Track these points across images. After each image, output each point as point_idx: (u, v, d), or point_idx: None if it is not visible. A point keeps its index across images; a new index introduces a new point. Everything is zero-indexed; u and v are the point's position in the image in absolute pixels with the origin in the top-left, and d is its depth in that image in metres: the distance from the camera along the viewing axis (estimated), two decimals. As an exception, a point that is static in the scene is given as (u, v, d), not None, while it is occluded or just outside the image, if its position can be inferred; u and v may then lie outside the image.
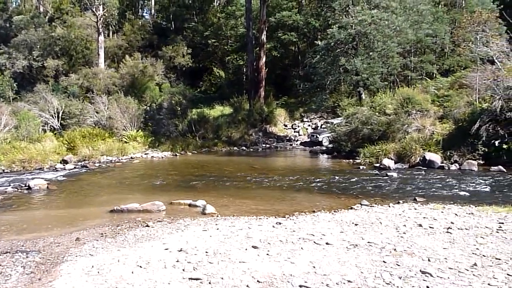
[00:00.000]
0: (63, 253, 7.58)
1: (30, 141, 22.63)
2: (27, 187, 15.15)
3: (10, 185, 15.67)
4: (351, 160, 20.05)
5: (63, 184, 16.30)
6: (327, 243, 6.72)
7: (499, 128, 16.83)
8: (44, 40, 36.24)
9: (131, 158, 23.76)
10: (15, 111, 26.06)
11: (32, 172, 19.25)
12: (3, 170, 19.39)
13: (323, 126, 29.95)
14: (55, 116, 27.22)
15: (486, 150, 16.86)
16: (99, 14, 35.11)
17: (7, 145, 21.41)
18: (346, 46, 24.59)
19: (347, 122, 22.45)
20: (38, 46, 36.09)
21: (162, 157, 24.34)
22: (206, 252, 6.49)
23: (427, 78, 28.41)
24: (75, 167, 20.66)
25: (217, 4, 45.26)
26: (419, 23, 26.15)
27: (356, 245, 6.61)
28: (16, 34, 37.02)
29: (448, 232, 7.30)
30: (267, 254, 6.28)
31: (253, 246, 6.74)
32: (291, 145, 29.46)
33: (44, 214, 11.97)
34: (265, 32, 33.95)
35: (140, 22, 43.82)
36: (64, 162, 21.36)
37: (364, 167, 18.16)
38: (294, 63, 38.47)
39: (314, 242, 6.85)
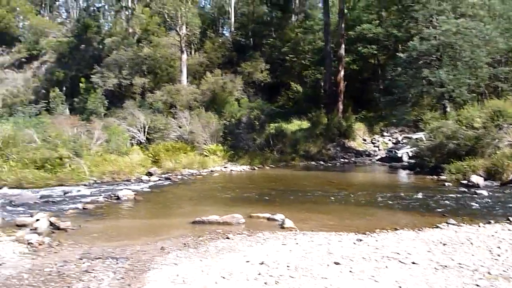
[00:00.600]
0: (149, 261, 7.92)
1: (119, 154, 24.01)
2: (116, 197, 16.06)
3: (101, 195, 16.72)
4: (435, 177, 19.02)
5: (148, 195, 17.09)
6: (413, 263, 6.42)
7: None
8: (132, 60, 38.58)
9: (211, 171, 24.40)
10: (106, 126, 27.85)
11: (120, 183, 20.40)
12: (95, 181, 20.75)
13: (403, 141, 28.86)
14: (141, 131, 28.74)
15: None
16: (182, 34, 36.83)
17: (99, 157, 22.90)
18: (430, 58, 23.62)
19: (431, 136, 21.43)
20: (127, 65, 38.48)
21: (241, 171, 24.75)
22: (288, 266, 6.47)
23: (519, 90, 26.42)
24: (159, 179, 21.60)
25: (295, 19, 45.63)
26: (510, 31, 24.50)
27: (446, 266, 6.25)
28: (108, 55, 39.80)
29: (551, 256, 6.68)
30: (350, 271, 6.12)
31: (335, 262, 6.61)
32: (370, 160, 28.67)
33: (131, 223, 12.62)
34: (343, 46, 33.63)
35: (220, 40, 45.31)
36: (149, 174, 22.42)
37: (450, 184, 17.16)
38: (373, 76, 37.63)
39: (399, 261, 6.57)
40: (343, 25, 33.63)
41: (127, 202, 15.60)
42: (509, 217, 10.78)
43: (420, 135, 26.03)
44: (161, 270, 7.13)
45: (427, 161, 21.08)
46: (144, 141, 28.19)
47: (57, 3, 63.68)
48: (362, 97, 35.98)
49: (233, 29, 46.32)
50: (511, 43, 24.61)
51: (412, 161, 24.06)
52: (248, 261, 6.99)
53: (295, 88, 39.06)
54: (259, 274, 6.17)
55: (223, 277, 6.20)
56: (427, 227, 9.98)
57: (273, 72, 39.89)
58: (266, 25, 44.56)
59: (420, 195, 14.88)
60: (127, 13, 42.81)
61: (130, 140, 27.33)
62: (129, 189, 17.69)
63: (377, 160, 28.09)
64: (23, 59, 51.77)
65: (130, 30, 41.09)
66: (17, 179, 19.39)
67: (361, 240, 8.53)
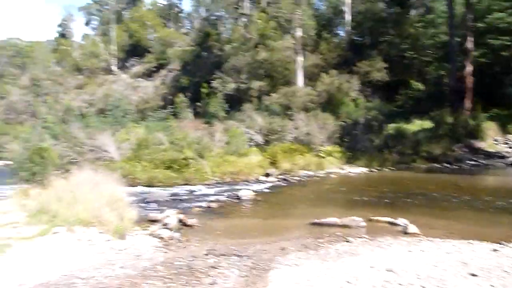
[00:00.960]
0: (270, 260, 8.07)
1: (238, 156, 24.95)
2: (236, 197, 16.71)
3: (223, 194, 17.52)
4: None
5: (266, 196, 17.48)
6: None
7: None
8: (250, 64, 39.88)
9: (328, 173, 24.19)
10: (226, 128, 29.12)
11: (240, 183, 21.17)
12: (217, 180, 21.81)
13: None
14: (259, 133, 29.54)
15: None
16: (297, 36, 37.14)
17: (220, 158, 24.03)
18: None
19: None
20: (245, 70, 39.89)
21: (358, 173, 24.16)
22: (418, 275, 6.12)
23: None
24: (276, 180, 21.98)
25: (414, 14, 43.37)
26: None
27: None
28: (227, 61, 41.66)
29: None
30: (491, 285, 5.59)
31: (471, 274, 6.09)
32: (503, 162, 26.03)
33: (251, 222, 13.00)
34: (471, 38, 31.09)
35: (335, 40, 44.79)
36: (267, 175, 22.94)
37: None
38: (507, 70, 34.15)
39: (550, 276, 5.85)
40: (470, 16, 31.09)
41: (246, 201, 16.12)
42: None
43: None
44: (283, 270, 7.22)
45: None
46: (261, 143, 28.91)
47: (181, 14, 68.35)
48: (492, 93, 32.86)
49: (348, 28, 45.47)
50: None
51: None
52: (372, 267, 6.75)
53: (415, 86, 37.08)
54: (386, 281, 5.92)
55: (348, 282, 6.07)
56: None
57: (392, 71, 38.30)
58: (383, 22, 42.91)
59: None
60: (244, 19, 44.38)
61: (249, 142, 28.20)
62: (249, 189, 18.28)
63: (510, 164, 25.36)
64: (152, 68, 56.53)
65: (248, 36, 42.48)
66: (149, 178, 21.19)
67: (497, 250, 7.76)
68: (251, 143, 28.36)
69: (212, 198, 16.84)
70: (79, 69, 60.47)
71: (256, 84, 38.70)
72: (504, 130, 30.11)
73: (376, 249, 8.30)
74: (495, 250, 7.74)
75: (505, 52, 34.38)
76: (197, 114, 40.03)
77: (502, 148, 28.62)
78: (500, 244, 8.49)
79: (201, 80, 43.76)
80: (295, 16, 36.92)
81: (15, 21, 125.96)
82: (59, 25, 74.80)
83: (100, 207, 10.32)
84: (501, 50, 34.28)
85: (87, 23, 75.61)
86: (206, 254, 8.66)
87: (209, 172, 22.24)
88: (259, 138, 29.20)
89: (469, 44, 31.15)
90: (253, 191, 17.90)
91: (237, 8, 45.49)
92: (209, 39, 48.19)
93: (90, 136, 25.06)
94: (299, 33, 37.48)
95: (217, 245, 9.55)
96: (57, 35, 75.21)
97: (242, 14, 44.63)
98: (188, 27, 66.20)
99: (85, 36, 71.93)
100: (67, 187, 11.34)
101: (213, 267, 7.68)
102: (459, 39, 32.27)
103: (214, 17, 54.42)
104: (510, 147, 28.30)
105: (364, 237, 9.73)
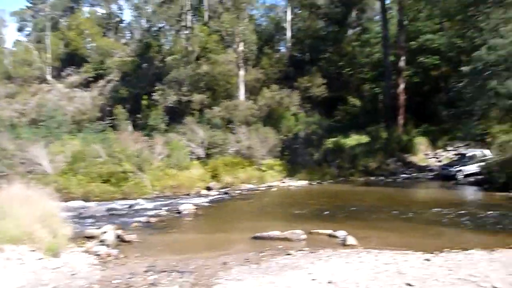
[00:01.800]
0: (213, 275, 7.98)
1: (179, 169, 24.60)
2: (177, 211, 16.43)
3: (163, 209, 17.15)
4: (505, 193, 17.93)
5: (208, 210, 17.34)
6: (494, 287, 6.03)
7: None
8: (192, 77, 39.60)
9: (269, 186, 24.42)
10: (167, 141, 28.64)
11: (181, 197, 20.86)
12: (157, 194, 21.36)
13: (455, 158, 27.36)
14: (200, 146, 29.33)
15: None
16: (239, 51, 37.44)
17: (160, 172, 23.58)
18: (497, 68, 22.50)
19: (501, 150, 20.31)
20: (186, 82, 39.56)
21: (299, 186, 24.56)
22: (357, 286, 6.28)
23: None
24: (218, 194, 21.89)
25: (351, 33, 45.17)
26: None
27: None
28: (168, 73, 41.11)
29: None
30: (424, 293, 5.85)
31: (407, 284, 6.34)
32: (433, 175, 27.42)
33: (193, 237, 12.83)
34: (403, 58, 32.82)
35: (277, 56, 45.59)
36: (208, 188, 22.81)
37: (524, 201, 16.14)
38: (435, 89, 36.29)
39: (478, 284, 6.19)
40: (403, 37, 32.88)
41: (188, 216, 15.90)
42: None
43: (476, 152, 24.87)
44: (225, 285, 7.15)
45: (496, 177, 19.93)
46: (203, 156, 28.71)
47: (121, 24, 66.83)
48: (423, 110, 34.78)
49: (289, 44, 46.50)
50: None
51: (472, 179, 22.93)
52: (314, 279, 6.86)
53: (352, 102, 38.48)
54: (327, 293, 6.04)
55: (290, 295, 6.12)
56: (501, 248, 9.37)
57: (330, 87, 39.52)
58: (323, 39, 44.34)
59: (489, 213, 14.07)
60: (186, 32, 44.14)
61: (190, 155, 27.92)
62: (190, 203, 18.04)
63: (432, 177, 26.57)
64: (90, 78, 54.62)
65: (190, 48, 42.26)
66: (85, 193, 20.37)
67: (429, 260, 8.15)
68: (193, 157, 28.08)
69: (152, 212, 16.47)
70: (10, 77, 57.27)
71: (198, 97, 38.46)
72: (434, 145, 31.88)
73: (317, 262, 8.44)
74: (427, 260, 8.12)
75: (435, 72, 36.58)
76: (136, 127, 39.06)
77: (432, 162, 30.25)
78: (432, 253, 8.91)
79: (141, 92, 42.84)
80: (237, 31, 37.24)
81: None
82: (-12, 31, 70.64)
83: (32, 223, 9.73)
84: (431, 69, 36.45)
85: (20, 29, 71.84)
86: (146, 271, 8.42)
87: (149, 185, 21.75)
88: (201, 151, 28.98)
89: (402, 63, 32.85)
90: (194, 205, 17.70)
91: (179, 21, 45.15)
92: (150, 50, 47.41)
93: (21, 148, 23.74)
94: (241, 47, 37.80)
95: (157, 261, 9.31)
96: (-14, 41, 70.94)
97: (184, 26, 44.36)
98: (129, 38, 64.81)
99: (17, 43, 68.35)
100: (-5, 202, 10.62)
101: (153, 284, 7.48)
102: (393, 59, 33.94)
103: (156, 28, 53.71)
104: (439, 161, 29.97)
105: (305, 250, 9.88)
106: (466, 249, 9.34)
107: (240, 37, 37.32)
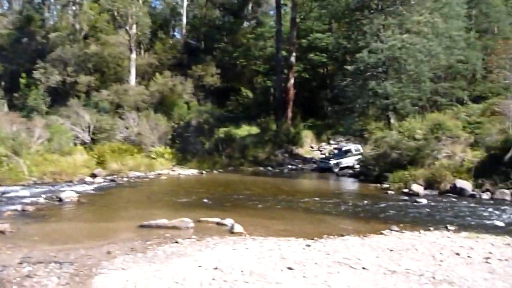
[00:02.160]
0: (95, 265, 7.65)
1: (61, 154, 23.08)
2: (58, 199, 15.41)
3: (42, 196, 15.97)
4: (378, 185, 19.70)
5: (92, 198, 16.53)
6: (363, 268, 6.61)
7: (533, 158, 16.34)
8: (78, 57, 37.23)
9: (159, 174, 23.99)
10: (48, 124, 26.66)
11: (63, 184, 19.60)
12: (35, 181, 19.81)
13: (332, 152, 29.47)
14: (86, 130, 27.78)
15: (520, 179, 16.35)
16: (132, 33, 35.96)
17: (40, 157, 21.90)
18: (376, 70, 24.52)
19: (376, 146, 22.20)
20: (72, 62, 37.07)
21: (189, 175, 24.49)
22: (242, 271, 6.46)
23: (457, 104, 27.96)
24: (104, 181, 20.97)
25: (247, 25, 45.86)
26: (451, 49, 25.87)
27: (394, 271, 6.48)
28: (52, 50, 38.12)
29: (487, 262, 7.08)
30: (304, 276, 6.20)
31: (288, 267, 6.68)
32: (317, 167, 29.13)
33: (75, 226, 12.14)
34: (294, 54, 34.20)
35: (171, 42, 44.66)
36: (94, 175, 21.73)
37: (392, 192, 17.83)
38: (322, 85, 38.50)
39: (350, 266, 6.74)
40: (294, 34, 34.23)
41: (70, 204, 15.01)
42: (447, 225, 11.35)
43: (350, 146, 27.21)
44: (108, 275, 6.90)
45: (371, 170, 21.78)
46: (88, 142, 27.25)
47: (-2, -7, 60.29)
48: (311, 105, 36.72)
49: (184, 31, 45.80)
50: (451, 60, 25.98)
51: (350, 171, 24.90)
52: (200, 266, 6.91)
53: (245, 94, 39.19)
54: (213, 279, 6.12)
55: (177, 282, 6.09)
56: (372, 234, 10.29)
57: (224, 77, 39.82)
58: (218, 29, 44.45)
59: (364, 203, 15.36)
60: (74, 8, 41.28)
61: (74, 140, 26.37)
62: (72, 190, 17.06)
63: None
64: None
65: (77, 26, 39.63)
66: None
67: (310, 245, 8.66)
68: (77, 141, 26.54)
69: (28, 200, 15.25)
70: None
71: (85, 79, 36.27)
72: (319, 138, 33.87)
73: (204, 249, 8.52)
74: (308, 245, 8.63)
75: (322, 69, 38.77)
76: (13, 107, 35.71)
77: (316, 154, 32.11)
78: (313, 240, 9.49)
79: (20, 69, 39.22)
80: (130, 12, 35.68)
81: None
82: None
83: None
84: (319, 67, 38.55)
85: None
86: (20, 263, 7.79)
87: (26, 171, 20.08)
88: (86, 136, 27.47)
89: (293, 59, 34.21)
90: (78, 192, 16.75)
91: (66, -6, 42.01)
92: (31, 24, 43.38)
93: None
94: (133, 29, 36.32)
95: (33, 252, 8.66)
96: None
97: (72, 1, 41.40)
98: (6, 8, 58.72)
99: None
100: None
101: (28, 276, 6.95)
102: (285, 54, 35.20)
103: (39, 1, 49.35)
104: (323, 154, 31.92)
105: (193, 238, 9.90)
106: (343, 235, 10.09)
107: (133, 19, 35.84)
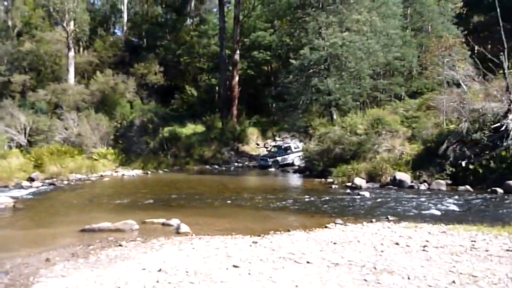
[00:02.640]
0: (33, 274, 7.28)
1: (-6, 158, 21.89)
2: (-9, 206, 14.57)
3: (-27, 203, 15.03)
4: (323, 179, 20.16)
5: (30, 203, 15.77)
6: (307, 262, 6.71)
7: (465, 149, 17.26)
8: (12, 54, 35.44)
9: (101, 176, 23.30)
10: (-21, 126, 25.20)
11: (-3, 189, 18.56)
12: (-35, 187, 18.64)
13: (272, 150, 29.88)
14: (21, 132, 26.47)
15: (454, 170, 17.23)
16: (69, 30, 34.61)
17: (-30, 161, 20.65)
18: (319, 67, 25.06)
19: (320, 141, 22.68)
20: (5, 60, 35.24)
21: (133, 175, 23.96)
22: (187, 272, 6.37)
23: (395, 100, 29.16)
24: (42, 185, 20.08)
25: (190, 22, 45.41)
26: (389, 47, 26.93)
27: (337, 263, 6.63)
28: (-18, 48, 36.03)
29: (424, 250, 7.40)
30: (249, 274, 6.21)
31: (234, 266, 6.66)
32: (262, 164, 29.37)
33: (11, 233, 11.51)
34: (238, 52, 34.27)
35: (111, 39, 43.43)
36: (31, 179, 20.76)
37: (336, 186, 18.30)
38: (266, 83, 38.89)
39: (295, 261, 6.82)
40: (238, 31, 34.32)
41: (4, 210, 14.23)
42: (388, 216, 11.78)
43: (290, 144, 28.06)
44: (47, 283, 6.59)
45: (315, 165, 22.25)
46: (25, 144, 25.97)
47: None
48: (256, 102, 36.99)
49: (125, 28, 44.69)
50: (389, 57, 27.05)
51: (296, 167, 25.38)
52: (144, 269, 6.75)
53: (189, 92, 38.85)
54: (157, 281, 5.99)
55: (119, 287, 5.92)
56: (317, 228, 10.48)
57: (168, 75, 39.28)
58: (161, 26, 43.70)
59: (309, 197, 15.65)
60: (5, 3, 39.15)
61: (9, 142, 25.06)
62: (8, 196, 16.17)
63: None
64: None
65: (10, 22, 37.63)
66: None
67: (256, 242, 8.69)
68: (12, 144, 25.23)
69: (-43, 207, 14.30)
70: None
71: (19, 78, 34.54)
72: (264, 135, 34.18)
73: (149, 251, 8.34)
74: (254, 242, 8.65)
75: (266, 67, 39.11)
76: None
77: (262, 151, 32.39)
78: (259, 236, 9.54)
79: None
80: (67, 7, 34.29)
81: None
82: None
83: None
84: (263, 64, 38.87)
85: None
86: None
87: (-45, 177, 18.83)
88: (22, 139, 26.16)
89: (237, 56, 34.29)
90: (13, 198, 15.90)
91: (-4, -11, 39.77)
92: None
93: None
94: (71, 26, 34.97)
95: (-38, 263, 8.11)
96: None
97: (3, -4, 39.28)
98: None
99: None
100: None
101: (-45, 290, 6.50)
102: (228, 52, 35.19)
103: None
104: (268, 150, 32.23)
105: (138, 240, 9.67)
106: (289, 231, 10.20)
107: (70, 15, 34.49)
